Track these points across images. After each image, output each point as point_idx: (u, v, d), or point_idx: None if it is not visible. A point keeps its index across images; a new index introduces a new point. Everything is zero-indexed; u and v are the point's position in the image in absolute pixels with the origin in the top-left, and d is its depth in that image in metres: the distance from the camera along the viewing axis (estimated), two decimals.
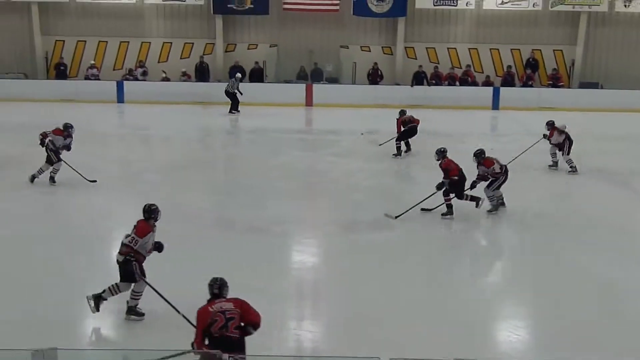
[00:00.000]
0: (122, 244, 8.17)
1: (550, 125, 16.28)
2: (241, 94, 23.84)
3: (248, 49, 28.09)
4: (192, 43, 28.01)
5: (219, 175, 16.97)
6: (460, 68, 27.78)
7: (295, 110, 25.21)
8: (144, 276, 8.22)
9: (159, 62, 27.78)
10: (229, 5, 27.06)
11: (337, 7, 27.09)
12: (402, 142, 17.72)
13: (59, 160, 13.96)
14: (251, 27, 28.12)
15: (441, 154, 12.54)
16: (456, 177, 12.23)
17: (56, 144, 13.86)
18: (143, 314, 8.27)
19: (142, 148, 20.00)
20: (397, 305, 8.79)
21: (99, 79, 26.86)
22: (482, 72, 27.90)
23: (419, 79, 26.78)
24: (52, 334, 7.59)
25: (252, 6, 27.09)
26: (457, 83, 27.12)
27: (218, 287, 6.68)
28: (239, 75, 24.47)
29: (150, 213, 8.42)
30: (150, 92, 25.83)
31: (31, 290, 8.93)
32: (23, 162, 15.28)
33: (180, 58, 27.89)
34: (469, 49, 28.22)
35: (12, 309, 8.31)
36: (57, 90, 25.69)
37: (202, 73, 27.33)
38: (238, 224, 12.14)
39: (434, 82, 26.91)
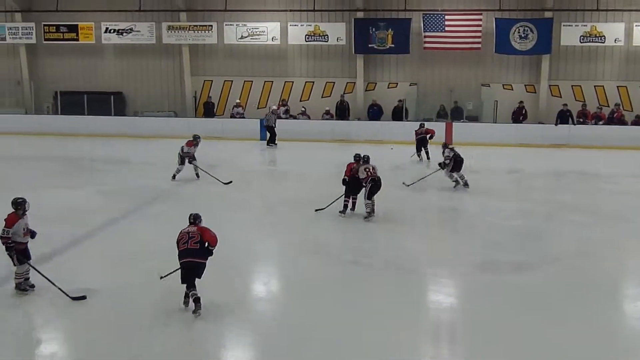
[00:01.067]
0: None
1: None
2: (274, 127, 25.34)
3: (388, 87, 28.27)
4: (334, 82, 28.50)
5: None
6: (608, 106, 26.69)
7: (434, 149, 24.95)
8: (28, 259, 10.22)
9: (300, 100, 28.41)
10: (370, 45, 27.41)
11: (479, 45, 26.81)
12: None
13: (183, 163, 18.45)
14: (391, 66, 28.31)
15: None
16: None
17: (184, 150, 18.46)
18: (27, 289, 10.18)
19: (276, 183, 20.40)
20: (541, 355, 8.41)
21: (243, 117, 27.75)
22: (632, 111, 26.68)
23: (563, 117, 25.93)
24: None
25: (392, 45, 27.30)
26: (602, 122, 26.07)
27: (193, 218, 10.02)
28: (273, 107, 26.31)
29: (17, 205, 10.08)
30: (293, 130, 26.40)
31: None
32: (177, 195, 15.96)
33: (322, 97, 28.42)
34: (618, 86, 27.11)
35: None
36: (204, 128, 26.65)
37: (342, 111, 27.69)
38: (373, 259, 12.10)
39: (580, 120, 25.99)
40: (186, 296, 9.54)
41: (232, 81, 29.06)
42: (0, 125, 27.33)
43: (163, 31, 28.41)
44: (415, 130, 22.23)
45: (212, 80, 29.17)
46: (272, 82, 28.87)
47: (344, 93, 28.11)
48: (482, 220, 15.21)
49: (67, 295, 9.96)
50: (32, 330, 9.36)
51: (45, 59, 29.99)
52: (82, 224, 14.21)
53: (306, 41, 27.96)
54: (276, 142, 25.15)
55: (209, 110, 28.32)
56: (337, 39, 27.76)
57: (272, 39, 28.04)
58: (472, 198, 17.31)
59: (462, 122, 26.86)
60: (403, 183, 17.90)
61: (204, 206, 15.70)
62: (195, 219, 9.97)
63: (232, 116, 27.94)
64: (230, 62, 28.97)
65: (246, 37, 28.19)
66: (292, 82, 28.77)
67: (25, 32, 29.13)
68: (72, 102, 27.51)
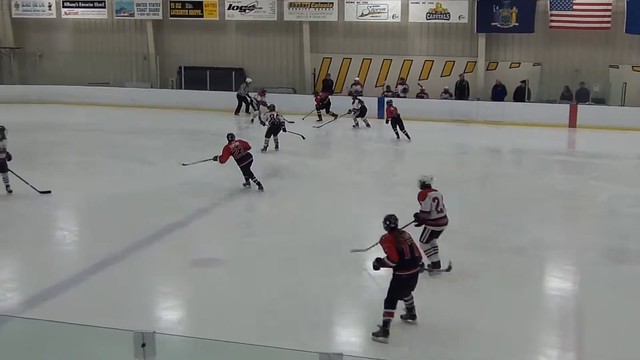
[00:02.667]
0: None
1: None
2: (249, 97, 26.39)
3: (510, 67, 27.55)
4: (454, 61, 28.01)
5: (475, 193, 16.72)
6: None
7: (557, 132, 24.30)
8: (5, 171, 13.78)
9: (419, 79, 28.11)
10: (493, 24, 26.76)
11: (609, 25, 25.68)
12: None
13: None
14: (515, 45, 27.55)
15: None
16: None
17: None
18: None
19: (399, 162, 20.30)
20: None
21: (361, 95, 27.72)
22: None
23: None
24: None
25: (517, 24, 26.55)
26: None
27: (230, 137, 14.71)
28: (249, 79, 27.17)
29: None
30: (410, 108, 26.17)
31: None
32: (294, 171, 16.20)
33: (441, 76, 28.02)
34: None
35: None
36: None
37: (462, 91, 27.24)
38: (497, 244, 11.87)
39: None
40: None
41: (350, 59, 29.07)
42: (127, 98, 28.37)
43: (284, 8, 28.68)
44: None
45: (331, 58, 29.27)
46: (391, 60, 28.67)
47: (464, 72, 27.61)
48: (606, 207, 14.71)
49: (36, 189, 13.73)
50: None
51: (171, 34, 30.89)
52: (207, 196, 14.63)
53: (427, 19, 27.57)
54: (249, 111, 26.51)
55: (327, 88, 28.45)
56: (459, 17, 27.24)
57: (393, 16, 27.81)
58: (596, 183, 16.76)
59: (588, 104, 25.89)
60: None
61: (322, 184, 16.00)
62: (231, 137, 14.90)
63: (351, 94, 27.96)
64: (349, 39, 28.96)
65: (366, 14, 28.09)
66: (411, 60, 28.47)
67: (152, 8, 30.04)
68: (195, 77, 28.24)
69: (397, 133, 22.04)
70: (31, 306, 8.89)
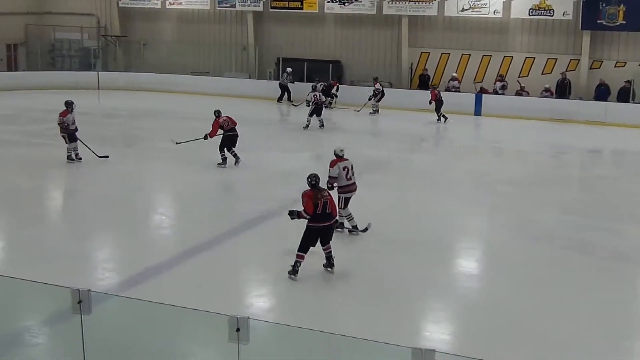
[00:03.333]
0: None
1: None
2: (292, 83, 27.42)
3: (615, 66, 26.60)
4: (556, 59, 27.27)
5: (573, 194, 16.26)
6: None
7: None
8: (75, 140, 15.80)
9: (519, 76, 27.51)
10: (598, 21, 25.89)
11: None
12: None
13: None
14: (620, 44, 26.58)
15: None
16: None
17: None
18: (74, 159, 15.48)
19: (495, 160, 19.95)
20: None
21: (459, 91, 27.37)
22: None
23: None
24: None
25: (624, 22, 25.60)
26: None
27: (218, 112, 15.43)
28: (289, 69, 27.74)
29: (68, 105, 15.89)
30: (508, 106, 25.71)
31: None
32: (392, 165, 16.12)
33: (542, 73, 27.32)
34: None
35: None
36: (418, 100, 26.70)
37: (563, 90, 26.50)
38: (595, 248, 11.51)
39: None
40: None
41: (449, 54, 28.70)
42: (226, 87, 28.87)
43: (384, 2, 28.55)
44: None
45: (429, 52, 28.97)
46: (491, 56, 28.15)
47: (566, 70, 26.82)
48: None
49: (95, 154, 15.90)
50: None
51: (270, 26, 31.24)
52: (299, 187, 14.73)
53: (530, 15, 26.91)
54: (291, 99, 27.44)
55: (424, 82, 28.21)
56: (564, 14, 26.46)
57: (494, 12, 27.30)
58: None
59: None
60: None
61: (421, 180, 15.88)
62: (219, 113, 15.93)
63: (447, 89, 27.62)
64: (448, 34, 28.60)
65: (467, 9, 27.66)
66: (512, 57, 27.87)
67: (253, 0, 30.49)
68: (292, 69, 28.45)
69: (438, 116, 23.89)
70: (128, 286, 9.18)
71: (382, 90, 25.61)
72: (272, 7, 30.28)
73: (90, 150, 16.17)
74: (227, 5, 30.97)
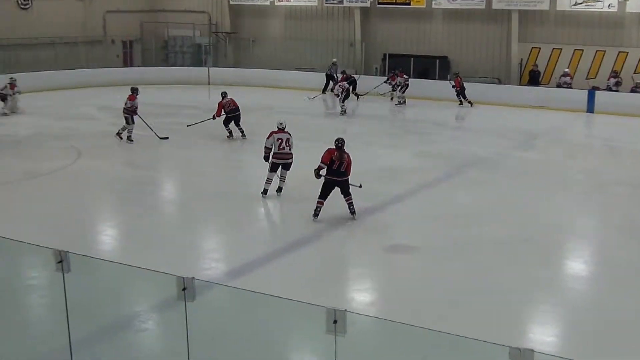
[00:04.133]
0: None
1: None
2: (336, 76, 27.40)
3: None
4: None
5: None
6: None
7: None
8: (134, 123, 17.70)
9: (634, 72, 26.44)
10: None
11: None
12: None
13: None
14: None
15: None
16: None
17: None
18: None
19: (608, 160, 19.26)
20: None
21: (570, 87, 26.57)
22: None
23: None
24: None
25: None
26: None
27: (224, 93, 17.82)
28: (334, 59, 28.91)
29: (134, 91, 17.89)
30: (623, 103, 24.77)
31: None
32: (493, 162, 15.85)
33: None
34: None
35: None
36: (528, 97, 26.11)
37: None
38: None
39: None
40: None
41: (561, 49, 27.87)
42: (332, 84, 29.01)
43: None
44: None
45: (539, 48, 28.23)
46: (605, 51, 27.16)
47: None
48: None
49: (157, 135, 17.78)
50: None
51: (377, 22, 31.21)
52: (402, 183, 14.73)
53: None
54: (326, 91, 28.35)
55: (534, 78, 27.53)
56: None
57: (609, 6, 26.30)
58: None
59: None
60: None
61: (528, 177, 15.54)
62: (225, 94, 18.29)
63: (559, 85, 26.87)
64: (560, 29, 27.75)
65: (580, 3, 26.79)
66: (627, 52, 26.80)
67: None
68: (399, 65, 28.32)
69: (460, 100, 25.73)
70: (233, 276, 9.42)
71: (407, 83, 26.11)
72: (379, 3, 30.24)
73: (153, 132, 17.96)
74: (335, 2, 31.14)
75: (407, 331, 5.57)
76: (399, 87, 26.13)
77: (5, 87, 22.12)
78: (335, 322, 5.09)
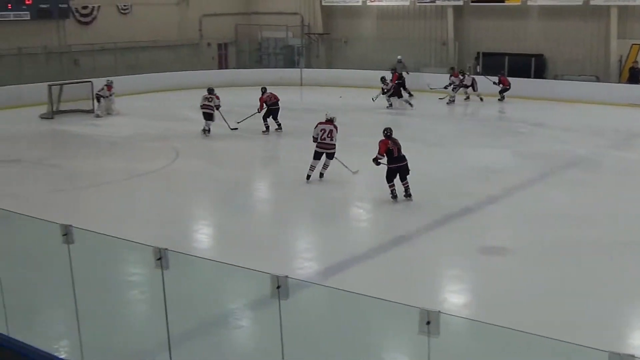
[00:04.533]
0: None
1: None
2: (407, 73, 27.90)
3: None
4: None
5: None
6: None
7: None
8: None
9: None
10: None
11: None
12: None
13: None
14: None
15: None
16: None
17: None
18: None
19: None
20: None
21: None
22: None
23: None
24: None
25: None
26: None
27: (264, 88, 19.47)
28: (399, 56, 28.87)
29: (210, 90, 19.40)
30: None
31: None
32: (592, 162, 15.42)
33: None
34: None
35: None
36: (628, 95, 25.24)
37: None
38: None
39: None
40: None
41: None
42: (425, 83, 28.76)
43: None
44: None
45: None
46: None
47: None
48: None
49: (229, 126, 19.33)
50: None
51: (471, 20, 30.77)
52: (497, 183, 14.50)
53: None
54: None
55: (634, 76, 26.57)
56: None
57: None
58: None
59: None
60: None
61: (632, 180, 14.99)
62: (264, 90, 19.44)
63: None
64: None
65: None
66: None
67: None
68: (492, 64, 27.89)
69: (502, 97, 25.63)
70: (326, 275, 9.50)
71: (464, 83, 26.00)
72: (472, 1, 29.80)
73: (226, 123, 19.36)
74: (427, 1, 30.90)
75: (502, 334, 5.48)
76: (451, 86, 25.94)
77: (103, 88, 22.98)
78: (428, 323, 5.06)
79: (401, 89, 25.42)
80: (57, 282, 7.26)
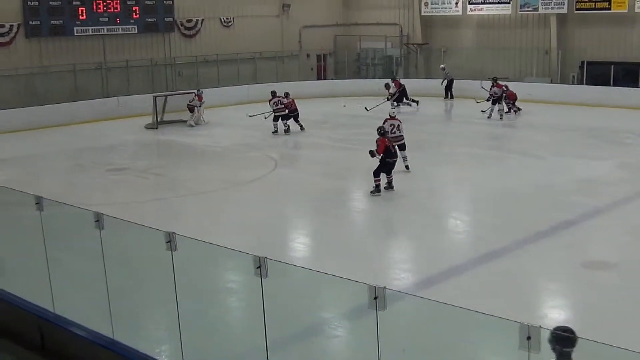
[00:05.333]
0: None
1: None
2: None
3: None
4: None
5: None
6: None
7: None
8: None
9: None
10: None
11: None
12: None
13: None
14: None
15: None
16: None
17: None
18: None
19: None
20: None
21: None
22: None
23: None
24: None
25: None
26: None
27: (286, 94, 21.61)
28: (442, 65, 29.72)
29: (273, 93, 21.36)
30: None
31: None
32: None
33: None
34: None
35: None
36: None
37: None
38: None
39: None
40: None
41: None
42: (526, 93, 28.19)
43: None
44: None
45: None
46: None
47: None
48: None
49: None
50: None
51: (575, 28, 29.95)
52: (602, 196, 14.05)
53: None
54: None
55: None
56: None
57: None
58: None
59: None
60: None
61: None
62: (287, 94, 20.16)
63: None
64: None
65: None
66: None
67: (557, 2, 29.42)
68: (597, 73, 27.09)
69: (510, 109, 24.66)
70: (422, 287, 9.41)
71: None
72: (577, 9, 29.04)
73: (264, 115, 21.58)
74: (530, 9, 30.29)
75: (606, 351, 5.31)
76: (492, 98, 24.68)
77: (193, 98, 23.60)
78: (529, 338, 4.94)
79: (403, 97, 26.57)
80: (160, 288, 7.48)
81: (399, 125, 15.88)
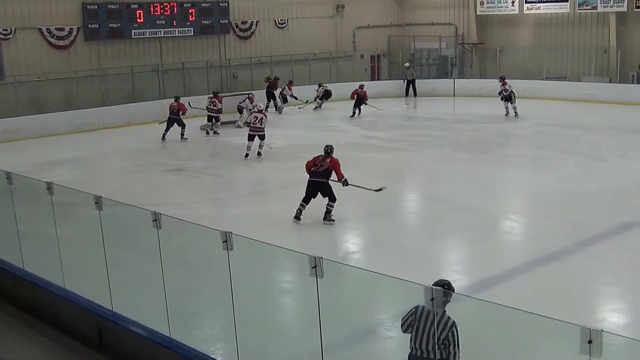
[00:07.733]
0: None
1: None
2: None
3: None
4: None
5: None
6: None
7: None
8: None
9: None
10: None
11: None
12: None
13: None
14: None
15: None
16: None
17: None
18: None
19: None
20: None
21: None
22: None
23: None
24: None
25: None
26: None
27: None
28: (407, 64, 30.56)
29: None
30: None
31: None
32: None
33: None
34: None
35: None
36: None
37: None
38: None
39: None
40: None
41: None
42: (584, 93, 27.70)
43: None
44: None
45: None
46: None
47: None
48: None
49: None
50: None
51: (635, 27, 29.25)
52: None
53: None
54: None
55: None
56: None
57: None
58: None
59: None
60: None
61: None
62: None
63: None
64: None
65: None
66: None
67: (616, 0, 28.85)
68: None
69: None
70: (478, 289, 9.30)
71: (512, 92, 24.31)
72: (637, 7, 28.39)
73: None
74: (588, 8, 29.73)
75: None
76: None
77: (244, 100, 23.78)
78: (590, 342, 4.84)
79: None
80: (216, 287, 7.55)
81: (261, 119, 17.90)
